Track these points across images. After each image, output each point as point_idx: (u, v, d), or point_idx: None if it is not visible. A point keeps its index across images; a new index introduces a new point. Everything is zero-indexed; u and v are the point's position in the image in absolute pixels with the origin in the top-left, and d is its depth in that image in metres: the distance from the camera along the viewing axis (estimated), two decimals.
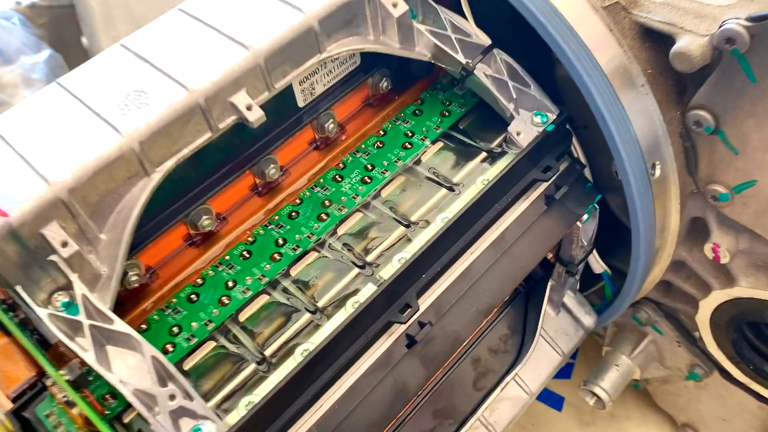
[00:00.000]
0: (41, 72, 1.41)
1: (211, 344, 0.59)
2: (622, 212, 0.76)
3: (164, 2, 0.69)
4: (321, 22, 0.60)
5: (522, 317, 0.81)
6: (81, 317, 0.52)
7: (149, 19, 0.63)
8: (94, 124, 0.55)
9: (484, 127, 0.71)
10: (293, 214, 0.65)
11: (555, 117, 0.66)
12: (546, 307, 0.79)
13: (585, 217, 0.71)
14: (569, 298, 0.84)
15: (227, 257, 0.64)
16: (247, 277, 0.62)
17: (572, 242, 0.74)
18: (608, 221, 0.77)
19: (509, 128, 0.66)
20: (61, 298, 0.53)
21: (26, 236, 0.51)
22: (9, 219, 0.48)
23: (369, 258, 0.62)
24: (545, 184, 0.67)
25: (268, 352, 0.58)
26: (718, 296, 0.76)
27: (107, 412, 0.55)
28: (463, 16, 0.67)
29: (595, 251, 0.79)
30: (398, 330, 0.59)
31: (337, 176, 0.68)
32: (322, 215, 0.65)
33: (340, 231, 0.64)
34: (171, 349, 0.58)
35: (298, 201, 0.66)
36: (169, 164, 0.56)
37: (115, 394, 0.55)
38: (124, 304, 0.61)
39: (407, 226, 0.64)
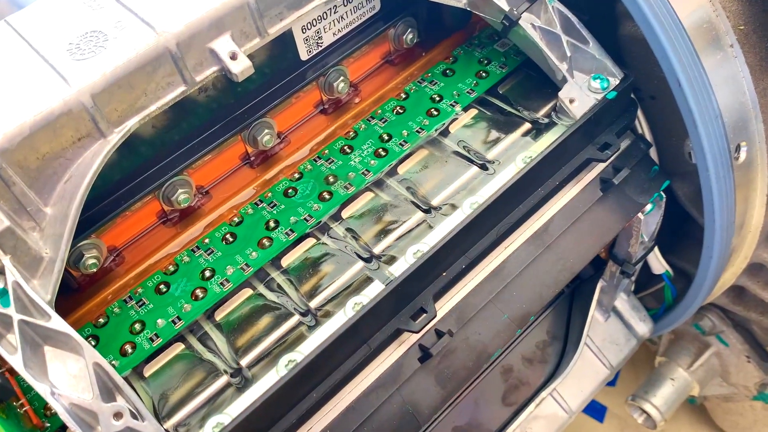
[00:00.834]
0: None
1: (179, 347, 0.53)
2: (692, 203, 0.69)
3: None
4: None
5: (564, 321, 0.75)
6: (10, 310, 0.44)
7: None
8: (39, 70, 0.48)
9: (529, 92, 0.65)
10: (290, 191, 0.60)
11: (618, 82, 0.59)
12: (594, 311, 0.72)
13: (648, 207, 0.64)
14: (622, 302, 0.78)
15: (207, 240, 0.57)
16: (228, 266, 0.54)
17: (631, 237, 0.67)
18: (672, 213, 0.70)
19: (560, 94, 0.60)
20: None
21: None
22: None
23: (377, 249, 0.56)
24: (602, 165, 0.62)
25: (245, 361, 0.51)
26: None
27: (47, 425, 0.48)
28: None
29: (656, 248, 0.72)
30: (409, 340, 0.54)
31: (345, 147, 0.62)
32: (325, 194, 0.59)
33: (345, 214, 0.59)
34: (130, 350, 0.51)
35: (296, 175, 0.61)
36: (131, 124, 0.49)
37: None
38: (81, 292, 0.54)
39: (427, 212, 0.58)
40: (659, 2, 0.55)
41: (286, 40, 0.57)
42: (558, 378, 0.70)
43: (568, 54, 0.59)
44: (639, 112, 0.64)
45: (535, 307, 0.58)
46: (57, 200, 0.47)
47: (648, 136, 0.66)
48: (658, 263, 0.74)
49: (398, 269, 0.53)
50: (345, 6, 0.59)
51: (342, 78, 0.62)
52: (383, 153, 0.60)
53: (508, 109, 0.64)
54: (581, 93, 0.59)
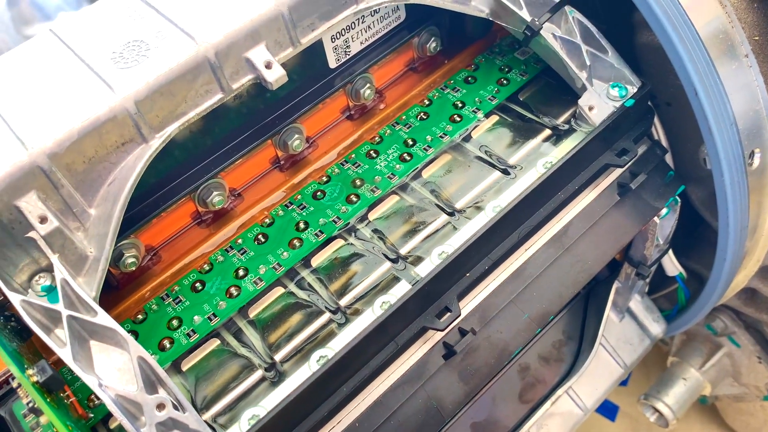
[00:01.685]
0: None
1: (215, 342, 0.54)
2: (706, 207, 0.70)
3: None
4: None
5: (580, 322, 0.75)
6: (59, 306, 0.45)
7: None
8: (85, 78, 0.49)
9: (550, 99, 0.65)
10: (318, 193, 0.60)
11: (636, 90, 0.60)
12: (609, 311, 0.73)
13: (664, 211, 0.64)
14: (636, 303, 0.78)
15: (239, 241, 0.58)
16: (261, 266, 0.56)
17: (646, 240, 0.67)
18: (687, 216, 0.71)
19: (580, 101, 0.60)
20: (42, 281, 0.47)
21: None
22: None
23: (404, 250, 0.56)
24: (619, 171, 0.62)
25: (278, 357, 0.52)
26: None
27: (91, 416, 0.50)
28: None
29: (671, 251, 0.72)
30: (434, 337, 0.54)
31: (371, 151, 0.63)
32: (352, 196, 0.60)
33: (372, 216, 0.59)
34: (168, 345, 0.52)
35: (324, 179, 0.61)
36: (171, 129, 0.50)
37: None
38: (120, 290, 0.56)
39: (451, 215, 0.58)
40: (676, 13, 0.55)
41: (316, 49, 0.58)
42: (573, 376, 0.71)
43: (588, 63, 0.60)
44: (655, 119, 0.64)
45: (555, 307, 0.58)
46: (101, 202, 0.48)
47: (664, 142, 0.66)
48: (672, 265, 0.74)
49: (424, 270, 0.54)
50: (372, 16, 0.60)
51: (368, 85, 0.63)
52: (408, 157, 0.61)
53: (529, 115, 0.64)
54: (600, 101, 0.59)
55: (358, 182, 0.60)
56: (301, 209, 0.59)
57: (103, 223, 0.48)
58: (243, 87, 0.51)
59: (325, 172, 0.61)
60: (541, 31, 0.59)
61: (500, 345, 0.56)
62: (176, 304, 0.54)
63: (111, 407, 0.43)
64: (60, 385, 0.46)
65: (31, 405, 0.44)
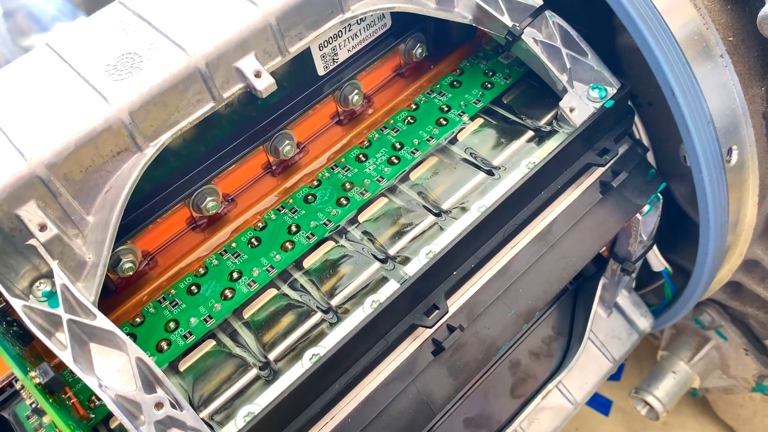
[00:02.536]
0: None
1: (211, 343, 0.55)
2: (689, 203, 0.70)
3: None
4: None
5: (568, 318, 0.76)
6: (59, 311, 0.46)
7: None
8: (80, 90, 0.50)
9: (532, 101, 0.66)
10: (309, 197, 0.62)
11: (616, 91, 0.61)
12: (596, 307, 0.74)
13: (646, 208, 0.66)
14: (623, 298, 0.80)
15: (233, 244, 0.59)
16: (254, 268, 0.57)
17: (630, 236, 0.68)
18: (671, 213, 0.72)
19: (561, 103, 0.61)
20: (43, 287, 0.48)
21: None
22: None
23: (392, 250, 0.57)
24: (601, 170, 0.63)
25: (272, 356, 0.53)
26: None
27: (92, 416, 0.51)
28: None
29: (655, 246, 0.73)
30: (423, 334, 0.55)
31: (360, 155, 0.64)
32: (342, 200, 0.61)
33: (361, 218, 0.60)
34: (166, 347, 0.54)
35: (315, 183, 0.63)
36: (165, 138, 0.51)
37: None
38: (118, 294, 0.57)
39: (438, 215, 0.59)
40: (652, 16, 0.56)
41: (304, 57, 0.59)
42: (563, 371, 0.72)
43: (568, 66, 0.61)
44: (636, 118, 0.65)
45: (540, 303, 0.59)
46: (98, 209, 0.50)
47: (645, 141, 0.67)
48: (657, 261, 0.75)
49: (412, 269, 0.55)
50: (358, 24, 0.61)
51: (356, 91, 0.63)
52: (396, 161, 0.62)
53: (513, 117, 0.65)
54: (581, 102, 0.60)
55: (347, 186, 0.61)
56: (293, 213, 0.60)
57: (101, 230, 0.49)
58: (233, 96, 0.52)
59: (315, 176, 0.62)
60: (523, 36, 0.60)
61: (488, 341, 0.57)
62: (173, 306, 0.55)
63: (111, 407, 0.44)
64: (61, 386, 0.47)
65: (34, 406, 0.45)
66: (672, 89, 0.57)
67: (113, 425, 0.51)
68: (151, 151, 0.50)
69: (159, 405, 0.44)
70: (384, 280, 0.55)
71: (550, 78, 0.62)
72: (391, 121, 0.66)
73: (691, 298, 0.75)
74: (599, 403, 1.08)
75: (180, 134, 0.51)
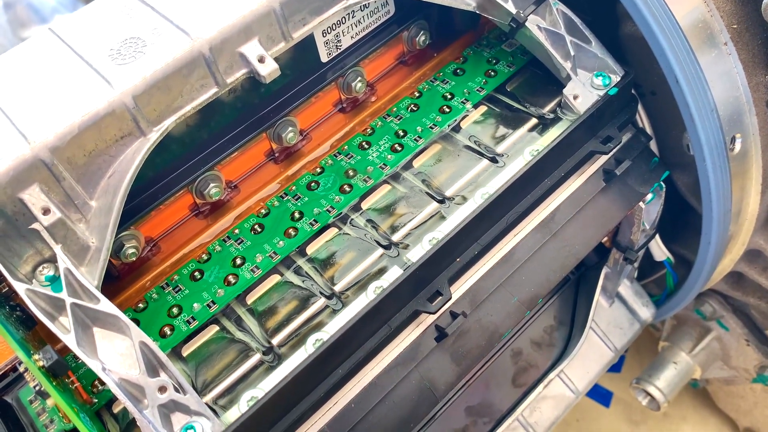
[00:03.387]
0: None
1: (214, 328, 0.55)
2: (692, 192, 0.70)
3: None
4: None
5: (570, 307, 0.76)
6: (63, 294, 0.47)
7: None
8: (84, 75, 0.50)
9: (536, 89, 0.66)
10: (312, 184, 0.62)
11: (619, 79, 0.60)
12: (598, 296, 0.74)
13: (649, 196, 0.65)
14: (625, 288, 0.79)
15: (236, 231, 0.59)
16: (258, 254, 0.57)
17: (633, 225, 0.68)
18: (674, 202, 0.71)
19: (565, 91, 0.61)
20: (46, 271, 0.48)
21: (3, 201, 0.46)
22: None
23: (396, 237, 0.58)
24: (604, 158, 0.63)
25: (276, 341, 0.53)
26: None
27: (95, 401, 0.51)
28: None
29: (657, 236, 0.73)
30: (426, 320, 0.55)
31: (363, 143, 0.64)
32: (345, 186, 0.61)
33: (365, 205, 0.60)
34: (169, 332, 0.54)
35: (318, 170, 0.63)
36: (168, 123, 0.51)
37: None
38: (121, 280, 0.57)
39: (441, 202, 0.59)
40: (657, 4, 0.56)
41: (307, 43, 0.58)
42: (565, 360, 0.72)
43: (572, 53, 0.60)
44: (640, 107, 0.65)
45: (543, 291, 0.59)
46: (101, 194, 0.50)
47: (648, 130, 0.66)
48: (659, 250, 0.75)
49: (415, 255, 0.55)
50: (362, 11, 0.61)
51: (359, 78, 0.63)
52: (399, 148, 0.62)
53: (516, 105, 0.65)
54: (584, 90, 0.60)
55: (351, 173, 0.61)
56: (296, 200, 0.60)
57: (104, 215, 0.49)
58: (237, 81, 0.52)
59: (318, 163, 0.62)
60: (527, 23, 0.60)
61: (491, 327, 0.57)
62: (176, 292, 0.56)
63: (114, 390, 0.44)
64: (64, 369, 0.47)
65: (38, 388, 0.45)
66: (676, 77, 0.57)
67: (116, 409, 0.52)
68: (154, 135, 0.50)
69: (162, 389, 0.45)
70: (387, 266, 0.55)
71: (554, 65, 0.62)
72: (395, 109, 0.66)
73: (692, 289, 0.75)
74: (600, 394, 1.08)
75: (183, 120, 0.51)
